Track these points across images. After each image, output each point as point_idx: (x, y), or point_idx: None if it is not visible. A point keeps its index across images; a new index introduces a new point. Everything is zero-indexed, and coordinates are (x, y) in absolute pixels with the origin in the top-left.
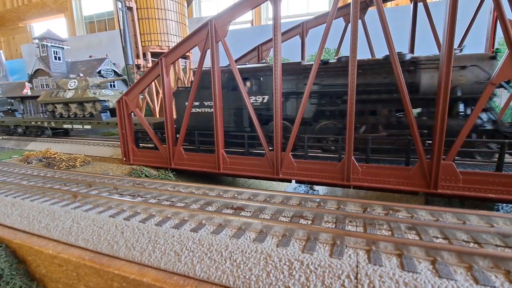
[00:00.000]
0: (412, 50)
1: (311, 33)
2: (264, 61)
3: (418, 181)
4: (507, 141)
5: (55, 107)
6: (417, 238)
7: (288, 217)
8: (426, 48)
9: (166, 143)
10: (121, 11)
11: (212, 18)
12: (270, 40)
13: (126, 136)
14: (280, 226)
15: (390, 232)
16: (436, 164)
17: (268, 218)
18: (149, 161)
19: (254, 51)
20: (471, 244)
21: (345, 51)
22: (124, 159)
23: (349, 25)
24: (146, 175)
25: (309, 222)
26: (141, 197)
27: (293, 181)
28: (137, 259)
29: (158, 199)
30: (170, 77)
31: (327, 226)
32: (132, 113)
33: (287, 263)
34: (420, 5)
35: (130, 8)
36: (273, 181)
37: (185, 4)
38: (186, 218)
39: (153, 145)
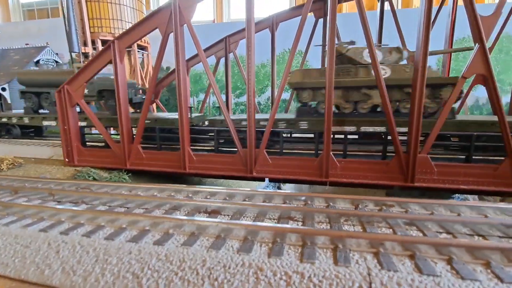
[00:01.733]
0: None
1: (281, 29)
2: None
3: (396, 175)
4: (475, 133)
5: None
6: (421, 234)
7: (274, 219)
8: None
9: (120, 140)
10: None
11: None
12: (238, 32)
13: (69, 132)
14: (268, 231)
15: (391, 230)
16: (413, 157)
17: (251, 222)
18: (99, 161)
19: (221, 43)
20: (476, 238)
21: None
22: (67, 160)
23: (320, 20)
24: (94, 178)
25: (300, 223)
26: (87, 204)
27: (266, 180)
28: (78, 287)
29: (109, 206)
30: (125, 67)
31: (322, 227)
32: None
33: (284, 277)
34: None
35: None
36: (242, 181)
37: None
38: (147, 228)
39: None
